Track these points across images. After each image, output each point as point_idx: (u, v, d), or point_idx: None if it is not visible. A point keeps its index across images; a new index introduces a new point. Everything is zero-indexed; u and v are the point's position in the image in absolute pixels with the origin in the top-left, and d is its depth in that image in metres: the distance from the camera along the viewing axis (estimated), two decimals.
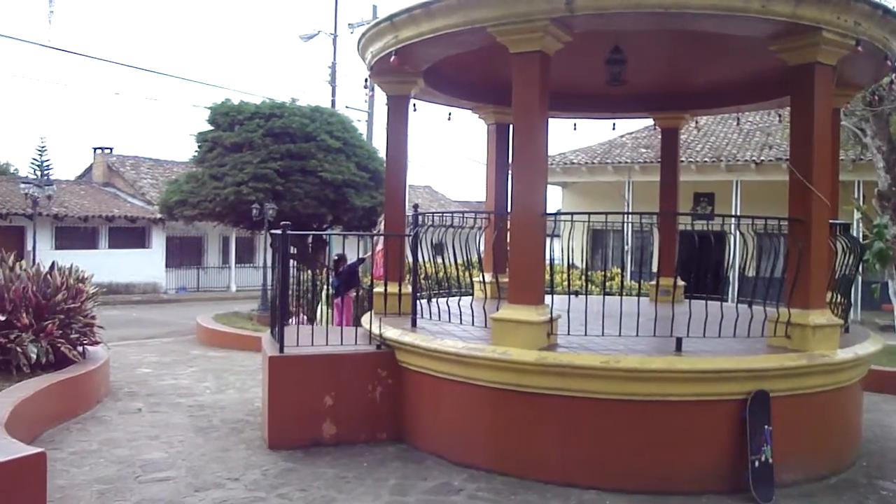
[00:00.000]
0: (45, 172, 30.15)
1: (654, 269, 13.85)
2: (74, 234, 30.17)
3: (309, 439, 7.18)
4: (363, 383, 7.43)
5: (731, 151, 23.12)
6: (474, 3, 6.61)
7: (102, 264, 24.35)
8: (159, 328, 19.96)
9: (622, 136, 26.44)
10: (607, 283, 10.32)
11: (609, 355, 6.28)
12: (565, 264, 8.99)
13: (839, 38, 6.56)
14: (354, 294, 12.50)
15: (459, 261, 8.00)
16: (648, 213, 10.75)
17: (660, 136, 12.20)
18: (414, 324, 7.87)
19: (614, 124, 12.39)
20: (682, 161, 13.37)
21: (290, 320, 9.94)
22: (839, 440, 6.98)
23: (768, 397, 6.21)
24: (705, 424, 6.26)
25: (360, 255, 13.52)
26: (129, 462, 6.76)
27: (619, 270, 17.73)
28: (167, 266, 33.02)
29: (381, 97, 10.42)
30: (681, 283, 10.38)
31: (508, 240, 7.51)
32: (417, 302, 8.19)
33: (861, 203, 16.69)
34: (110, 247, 31.39)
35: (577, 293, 9.21)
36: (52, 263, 10.28)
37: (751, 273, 7.83)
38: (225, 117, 21.58)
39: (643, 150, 24.90)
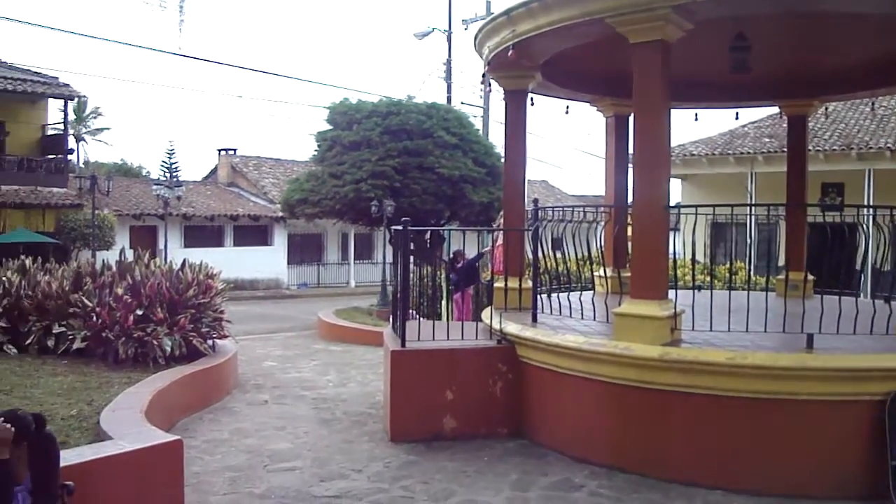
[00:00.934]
0: (174, 174, 31.59)
1: (781, 262, 13.32)
2: (202, 233, 31.58)
3: (430, 433, 7.26)
4: (483, 378, 7.46)
5: (862, 139, 21.93)
6: None
7: (228, 261, 25.11)
8: (282, 323, 20.61)
9: (744, 126, 25.46)
10: (732, 278, 10.00)
11: (735, 351, 6.09)
12: (687, 258, 8.75)
13: None
14: (473, 289, 12.56)
15: (578, 255, 7.90)
16: (776, 203, 10.30)
17: (785, 125, 11.69)
18: (534, 318, 7.85)
19: (737, 114, 11.93)
20: (809, 150, 12.74)
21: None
22: None
23: None
24: (839, 426, 5.96)
25: (479, 251, 13.53)
26: (258, 451, 7.03)
27: (744, 264, 17.14)
28: (289, 262, 34.07)
29: (496, 93, 10.41)
30: (811, 277, 9.94)
31: (630, 234, 7.38)
32: (538, 296, 8.15)
33: None
34: (235, 244, 32.67)
35: (699, 288, 8.96)
36: (184, 260, 10.73)
37: (886, 267, 7.41)
38: (343, 116, 22.06)
39: (766, 140, 23.93)
